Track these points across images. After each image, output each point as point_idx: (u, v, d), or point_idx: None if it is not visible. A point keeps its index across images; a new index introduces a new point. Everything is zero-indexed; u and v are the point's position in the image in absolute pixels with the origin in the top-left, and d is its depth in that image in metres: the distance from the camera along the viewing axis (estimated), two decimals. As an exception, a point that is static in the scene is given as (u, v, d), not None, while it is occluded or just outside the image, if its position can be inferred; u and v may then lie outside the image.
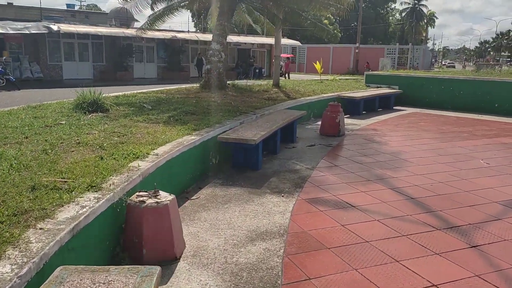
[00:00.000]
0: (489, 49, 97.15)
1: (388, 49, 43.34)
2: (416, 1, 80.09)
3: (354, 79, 18.81)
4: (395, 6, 77.81)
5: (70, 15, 42.03)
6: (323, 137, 8.92)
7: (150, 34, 25.77)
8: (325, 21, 56.41)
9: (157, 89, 11.98)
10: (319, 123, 9.60)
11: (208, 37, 22.85)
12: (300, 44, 41.10)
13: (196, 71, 27.44)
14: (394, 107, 13.48)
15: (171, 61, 28.93)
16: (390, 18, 76.60)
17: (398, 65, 41.90)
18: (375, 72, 15.84)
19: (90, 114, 7.06)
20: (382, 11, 68.87)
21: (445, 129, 10.07)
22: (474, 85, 12.78)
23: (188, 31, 33.19)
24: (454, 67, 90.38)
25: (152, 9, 10.91)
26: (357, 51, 42.53)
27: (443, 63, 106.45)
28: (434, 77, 13.71)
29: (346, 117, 10.19)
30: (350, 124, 10.15)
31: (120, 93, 10.29)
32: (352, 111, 11.89)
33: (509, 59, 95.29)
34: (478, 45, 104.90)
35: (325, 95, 11.99)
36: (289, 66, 32.76)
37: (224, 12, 11.24)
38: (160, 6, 11.32)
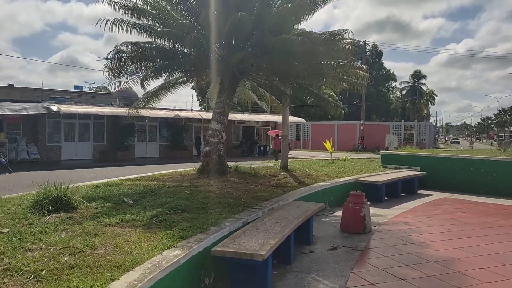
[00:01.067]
0: (492, 125, 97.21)
1: (393, 125, 42.48)
2: (415, 80, 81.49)
3: (367, 158, 17.29)
4: (395, 85, 78.96)
5: (77, 96, 42.02)
6: (346, 234, 7.13)
7: (153, 113, 25.20)
8: (329, 98, 56.44)
9: (149, 174, 10.41)
10: (338, 214, 7.86)
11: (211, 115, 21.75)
12: (305, 121, 40.42)
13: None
14: (418, 191, 11.78)
15: (173, 139, 27.82)
16: (391, 96, 77.33)
17: (405, 141, 40.81)
18: (393, 152, 14.36)
19: (49, 215, 5.39)
20: (383, 89, 69.53)
21: (491, 222, 8.26)
22: (509, 166, 11.16)
23: (192, 110, 32.50)
24: (458, 142, 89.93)
25: (142, 86, 9.66)
26: (362, 127, 41.66)
27: (446, 138, 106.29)
28: (461, 158, 12.14)
29: None
30: (374, 215, 8.36)
31: (104, 181, 8.69)
32: (373, 198, 10.19)
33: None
34: (480, 121, 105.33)
35: (341, 179, 10.34)
36: (278, 144, 31.79)
37: (224, 89, 9.98)
38: (153, 83, 10.10)
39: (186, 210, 6.01)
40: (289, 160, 12.49)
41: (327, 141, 15.31)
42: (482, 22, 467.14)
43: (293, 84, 10.65)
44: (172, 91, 10.72)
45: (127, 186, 8.00)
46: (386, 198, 10.40)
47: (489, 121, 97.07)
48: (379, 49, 65.51)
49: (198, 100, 59.24)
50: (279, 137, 16.84)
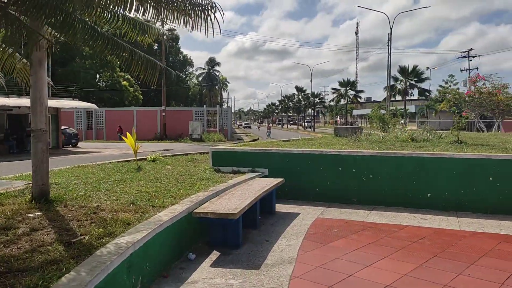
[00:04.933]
0: (276, 111, 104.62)
1: (196, 111, 38.65)
2: (210, 67, 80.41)
3: (184, 155, 12.14)
4: (192, 71, 76.24)
5: None
6: None
7: None
8: (124, 82, 49.29)
9: None
10: None
11: None
12: (97, 107, 32.84)
13: None
14: (276, 210, 7.42)
15: None
16: (189, 82, 74.30)
17: (208, 128, 37.53)
18: (228, 148, 9.60)
19: None
20: (182, 74, 65.64)
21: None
22: (389, 164, 7.73)
23: None
24: (250, 127, 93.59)
25: None
26: (163, 114, 36.51)
27: (238, 123, 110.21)
28: (326, 154, 8.25)
29: (213, 266, 3.62)
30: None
31: None
32: (224, 242, 5.33)
33: (290, 119, 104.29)
34: (266, 107, 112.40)
35: (161, 213, 5.00)
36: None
37: None
38: None
39: None
40: (69, 162, 6.46)
41: (128, 135, 9.58)
42: (264, 18, 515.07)
43: (56, 15, 4.68)
44: None
45: None
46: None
47: (274, 107, 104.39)
48: (176, 33, 61.04)
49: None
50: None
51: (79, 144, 28.46)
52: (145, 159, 10.13)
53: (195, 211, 5.22)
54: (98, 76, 49.85)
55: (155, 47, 58.67)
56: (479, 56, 55.53)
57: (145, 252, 4.09)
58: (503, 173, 6.95)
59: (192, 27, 5.03)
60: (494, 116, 23.72)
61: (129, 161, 10.03)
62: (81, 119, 38.07)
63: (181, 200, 5.70)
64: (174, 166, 9.16)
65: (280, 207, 7.60)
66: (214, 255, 5.11)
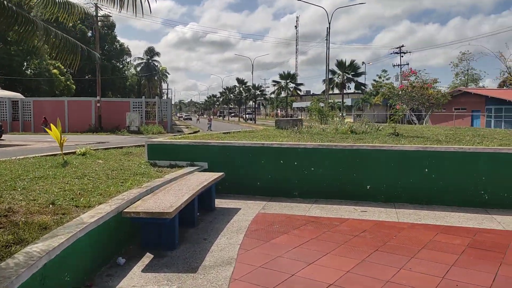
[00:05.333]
0: (217, 103, 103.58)
1: (134, 102, 37.04)
2: (149, 57, 77.84)
3: (118, 148, 11.38)
4: (130, 60, 73.28)
5: None
6: None
7: None
8: (55, 70, 46.19)
9: None
10: None
11: None
12: (24, 97, 30.30)
13: None
14: (216, 205, 7.07)
15: None
16: (126, 72, 71.36)
17: (147, 119, 36.16)
18: (165, 140, 9.03)
19: None
20: (118, 64, 62.80)
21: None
22: (330, 156, 7.63)
23: None
24: (190, 119, 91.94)
25: None
26: (98, 105, 34.63)
27: (178, 115, 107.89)
28: (268, 146, 7.99)
29: (145, 270, 3.28)
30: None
31: None
32: (158, 242, 4.90)
33: (232, 111, 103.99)
34: (207, 99, 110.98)
35: (85, 214, 4.45)
36: None
37: None
38: None
39: None
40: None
41: (52, 126, 8.69)
42: (205, 9, 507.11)
43: None
44: None
45: None
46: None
47: (215, 99, 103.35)
48: (112, 20, 58.17)
49: None
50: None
51: (4, 136, 26.17)
52: (74, 153, 9.32)
53: (125, 210, 4.72)
54: (25, 63, 46.26)
55: (89, 34, 55.60)
56: (410, 52, 58.58)
57: (64, 261, 3.56)
58: (437, 165, 7.10)
59: (120, 6, 4.49)
60: (425, 109, 24.97)
61: (55, 155, 9.17)
62: (5, 109, 35.10)
63: (111, 198, 5.17)
64: (106, 160, 8.47)
65: (220, 202, 7.26)
66: (147, 258, 4.66)
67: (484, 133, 11.11)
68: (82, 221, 4.18)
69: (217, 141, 8.51)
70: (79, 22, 52.91)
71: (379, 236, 5.41)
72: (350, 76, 50.18)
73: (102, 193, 5.41)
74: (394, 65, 57.76)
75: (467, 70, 71.65)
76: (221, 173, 7.25)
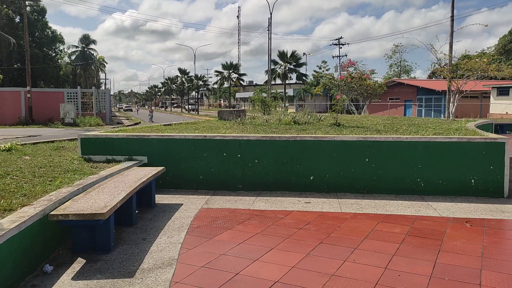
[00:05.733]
0: (159, 93, 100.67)
1: (68, 93, 34.95)
2: (85, 45, 74.02)
3: (49, 142, 10.53)
4: (63, 48, 69.09)
5: None
6: None
7: None
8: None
9: None
10: None
11: None
12: None
13: None
14: (156, 201, 6.72)
15: None
16: (60, 61, 67.22)
17: (83, 111, 34.31)
18: (101, 134, 8.41)
19: None
20: (51, 52, 58.94)
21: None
22: (274, 148, 7.52)
23: None
24: (131, 110, 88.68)
25: None
26: (29, 95, 32.28)
27: (118, 106, 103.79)
28: (210, 138, 7.71)
29: (75, 278, 2.95)
30: None
31: None
32: (91, 246, 4.52)
33: (174, 102, 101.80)
34: (148, 89, 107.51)
35: (4, 220, 3.98)
36: None
37: None
38: None
39: None
40: None
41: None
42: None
43: None
44: None
45: None
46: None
47: (156, 89, 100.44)
48: (42, 5, 54.35)
49: None
50: None
51: None
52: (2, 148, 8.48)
53: (52, 213, 4.28)
54: None
55: (17, 20, 51.58)
56: (348, 44, 60.42)
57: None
58: (377, 154, 7.23)
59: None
60: (363, 100, 25.81)
61: (-25, 151, 8.28)
62: None
63: (36, 199, 4.68)
64: (33, 156, 7.78)
65: (161, 198, 6.92)
66: (78, 264, 4.27)
67: (418, 122, 11.59)
68: (2, 227, 3.71)
69: (157, 133, 8.10)
70: (5, 6, 48.90)
71: (323, 228, 5.39)
72: (291, 66, 50.82)
73: (26, 194, 4.89)
74: (333, 56, 59.39)
75: (400, 62, 75.34)
76: (161, 168, 6.90)
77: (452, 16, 25.70)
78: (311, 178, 7.38)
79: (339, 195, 7.15)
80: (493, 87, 39.17)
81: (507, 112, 35.87)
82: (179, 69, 75.70)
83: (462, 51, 69.73)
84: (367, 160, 7.25)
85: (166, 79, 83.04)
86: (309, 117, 11.43)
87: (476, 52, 63.82)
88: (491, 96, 39.79)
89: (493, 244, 4.83)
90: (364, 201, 6.74)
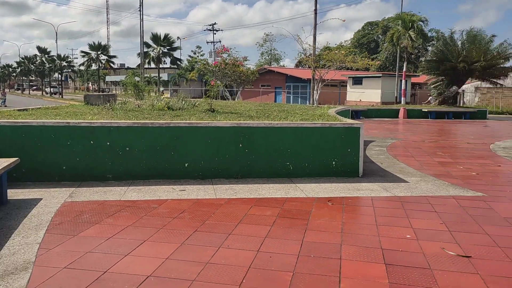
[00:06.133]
0: (13, 74, 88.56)
1: None
2: None
3: None
4: None
5: None
6: None
7: None
8: None
9: None
10: None
11: None
12: None
13: None
14: (8, 197, 5.86)
15: None
16: None
17: None
18: None
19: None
20: None
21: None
22: (146, 135, 7.14)
23: None
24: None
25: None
26: None
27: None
28: (75, 125, 6.95)
29: None
30: None
31: None
32: None
33: (33, 84, 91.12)
34: (0, 69, 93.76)
35: None
36: None
37: None
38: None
39: None
40: None
41: None
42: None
43: None
44: None
45: None
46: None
47: (11, 69, 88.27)
48: None
49: None
50: None
51: None
52: None
53: None
54: None
55: None
56: (222, 30, 60.96)
57: None
58: (250, 140, 7.41)
59: None
60: (236, 86, 26.40)
61: None
62: None
63: None
64: None
65: (16, 194, 6.09)
66: None
67: (287, 108, 12.26)
68: None
69: (8, 120, 7.07)
70: None
71: (198, 215, 5.33)
72: (165, 50, 49.39)
73: None
74: (207, 42, 59.59)
75: (271, 50, 78.95)
76: (14, 159, 6.04)
77: (316, 10, 27.72)
78: (186, 165, 7.25)
79: (214, 181, 7.17)
80: (349, 77, 43.66)
81: (360, 100, 40.38)
82: (38, 48, 67.70)
83: (324, 43, 75.94)
84: (240, 145, 7.39)
85: (22, 58, 73.35)
86: (183, 102, 11.21)
87: (335, 44, 70.18)
88: (348, 85, 44.32)
89: (351, 220, 5.34)
90: (238, 186, 6.86)
